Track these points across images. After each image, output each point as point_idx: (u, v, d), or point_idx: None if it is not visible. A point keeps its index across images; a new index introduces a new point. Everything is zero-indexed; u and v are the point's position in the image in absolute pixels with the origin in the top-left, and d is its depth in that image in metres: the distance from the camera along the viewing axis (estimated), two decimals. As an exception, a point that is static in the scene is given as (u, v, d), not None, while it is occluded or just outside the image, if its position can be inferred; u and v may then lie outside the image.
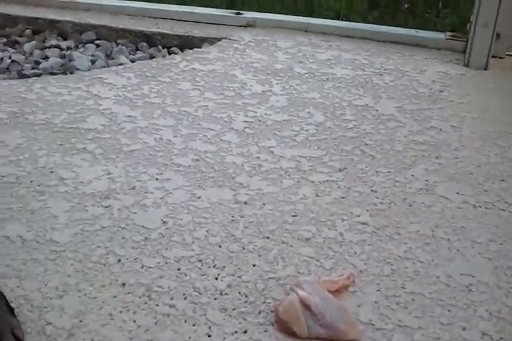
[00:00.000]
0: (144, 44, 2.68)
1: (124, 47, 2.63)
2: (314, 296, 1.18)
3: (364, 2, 3.61)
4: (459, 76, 2.41)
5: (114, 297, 1.24)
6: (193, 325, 1.17)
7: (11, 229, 1.43)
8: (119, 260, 1.34)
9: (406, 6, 3.57)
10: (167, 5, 2.95)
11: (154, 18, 2.85)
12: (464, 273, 1.35)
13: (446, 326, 1.20)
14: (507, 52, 2.66)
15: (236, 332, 1.15)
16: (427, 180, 1.70)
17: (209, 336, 1.15)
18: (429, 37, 2.68)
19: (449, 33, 2.69)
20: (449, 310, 1.25)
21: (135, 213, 1.50)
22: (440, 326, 1.20)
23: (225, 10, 2.88)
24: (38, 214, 1.48)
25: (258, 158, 1.77)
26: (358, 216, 1.53)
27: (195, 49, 2.54)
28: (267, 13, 2.86)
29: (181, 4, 2.98)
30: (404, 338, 1.17)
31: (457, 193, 1.65)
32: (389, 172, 1.73)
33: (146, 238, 1.42)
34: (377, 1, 3.57)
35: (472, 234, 1.49)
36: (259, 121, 1.97)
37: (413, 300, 1.27)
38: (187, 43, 2.66)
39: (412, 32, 2.71)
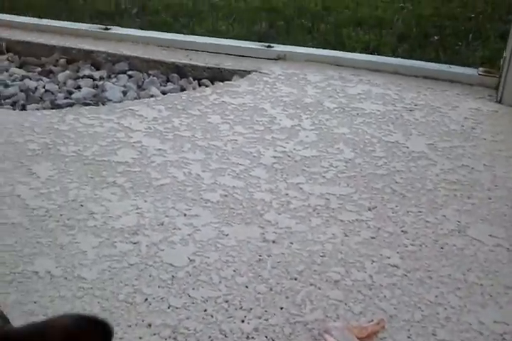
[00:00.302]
0: (175, 75, 2.71)
1: (155, 78, 2.66)
2: (343, 343, 1.16)
3: (394, 34, 3.61)
4: (491, 113, 2.38)
5: (140, 338, 1.23)
6: (219, 370, 1.15)
7: (40, 264, 1.44)
8: (146, 299, 1.34)
9: (436, 38, 3.56)
10: (199, 37, 2.99)
11: (186, 49, 2.88)
12: (497, 321, 1.32)
13: (479, 378, 1.17)
14: (540, 89, 2.63)
15: (263, 379, 1.14)
16: (458, 221, 1.67)
17: (235, 382, 1.13)
18: (461, 72, 2.66)
19: (481, 69, 2.66)
20: (482, 361, 1.21)
21: (163, 250, 1.50)
22: (473, 378, 1.17)
23: (256, 42, 2.91)
24: (67, 250, 1.49)
25: (287, 194, 1.76)
26: (388, 258, 1.51)
27: (226, 82, 2.56)
28: (298, 47, 2.88)
29: (212, 36, 3.02)
30: (436, 390, 1.14)
31: (490, 235, 1.62)
32: (420, 212, 1.71)
33: (173, 276, 1.41)
34: (407, 34, 3.57)
35: (506, 279, 1.45)
36: (288, 156, 1.96)
37: (445, 349, 1.24)
38: (217, 75, 2.68)
39: (444, 67, 2.70)
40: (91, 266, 1.43)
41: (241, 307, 1.31)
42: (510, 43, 2.40)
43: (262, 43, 2.87)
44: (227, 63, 2.73)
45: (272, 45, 2.84)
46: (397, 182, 1.85)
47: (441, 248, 1.56)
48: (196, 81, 2.68)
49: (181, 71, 2.74)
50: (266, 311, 1.31)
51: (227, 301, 1.33)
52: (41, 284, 1.36)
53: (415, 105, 2.40)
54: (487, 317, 1.33)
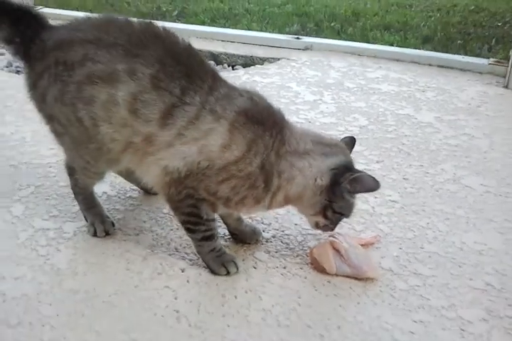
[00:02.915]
0: (211, 62, 3.00)
1: (194, 63, 2.96)
2: (344, 243, 1.41)
3: (419, 37, 3.84)
4: (497, 95, 2.62)
5: (180, 237, 1.50)
6: (242, 260, 1.42)
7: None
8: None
9: (459, 42, 3.78)
10: (233, 29, 3.31)
11: (222, 40, 3.20)
12: (477, 242, 1.55)
13: (455, 276, 1.41)
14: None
15: (277, 267, 1.40)
16: (455, 173, 1.91)
17: (254, 268, 1.39)
18: (472, 62, 2.92)
19: (492, 59, 2.92)
20: (460, 266, 1.45)
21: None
22: (450, 275, 1.41)
23: (285, 35, 3.21)
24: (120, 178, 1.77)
25: (306, 150, 2.02)
26: (390, 196, 1.76)
27: (257, 65, 2.85)
28: (324, 39, 3.17)
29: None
30: (418, 281, 1.38)
31: (481, 184, 1.85)
32: (421, 165, 1.95)
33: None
34: (431, 37, 3.79)
35: (489, 214, 1.69)
36: (309, 122, 2.23)
37: (430, 257, 1.48)
38: (250, 62, 2.98)
39: (458, 57, 2.96)
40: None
41: (262, 222, 1.58)
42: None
43: (291, 35, 3.17)
44: (259, 52, 3.03)
45: (300, 37, 3.14)
46: (403, 144, 2.10)
47: (437, 191, 1.80)
48: (230, 67, 2.98)
49: (217, 58, 3.05)
50: (283, 226, 1.57)
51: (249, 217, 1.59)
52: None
53: (428, 87, 2.66)
54: (469, 238, 1.56)
